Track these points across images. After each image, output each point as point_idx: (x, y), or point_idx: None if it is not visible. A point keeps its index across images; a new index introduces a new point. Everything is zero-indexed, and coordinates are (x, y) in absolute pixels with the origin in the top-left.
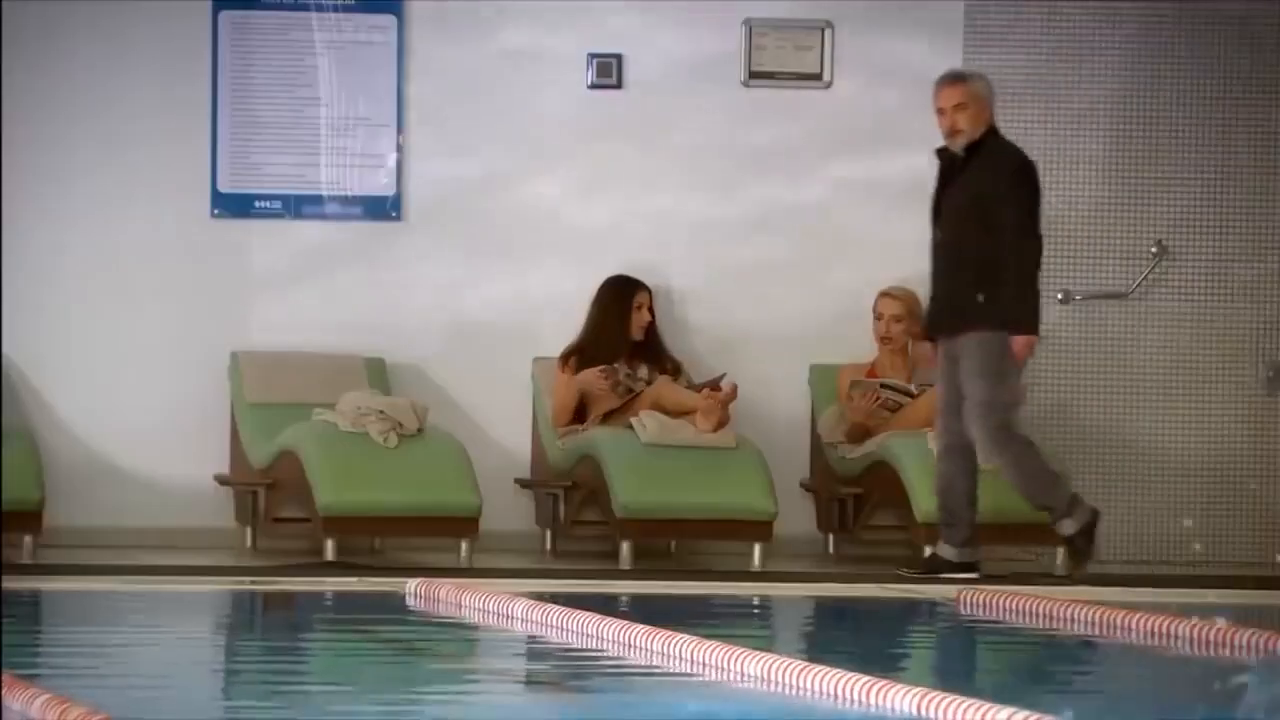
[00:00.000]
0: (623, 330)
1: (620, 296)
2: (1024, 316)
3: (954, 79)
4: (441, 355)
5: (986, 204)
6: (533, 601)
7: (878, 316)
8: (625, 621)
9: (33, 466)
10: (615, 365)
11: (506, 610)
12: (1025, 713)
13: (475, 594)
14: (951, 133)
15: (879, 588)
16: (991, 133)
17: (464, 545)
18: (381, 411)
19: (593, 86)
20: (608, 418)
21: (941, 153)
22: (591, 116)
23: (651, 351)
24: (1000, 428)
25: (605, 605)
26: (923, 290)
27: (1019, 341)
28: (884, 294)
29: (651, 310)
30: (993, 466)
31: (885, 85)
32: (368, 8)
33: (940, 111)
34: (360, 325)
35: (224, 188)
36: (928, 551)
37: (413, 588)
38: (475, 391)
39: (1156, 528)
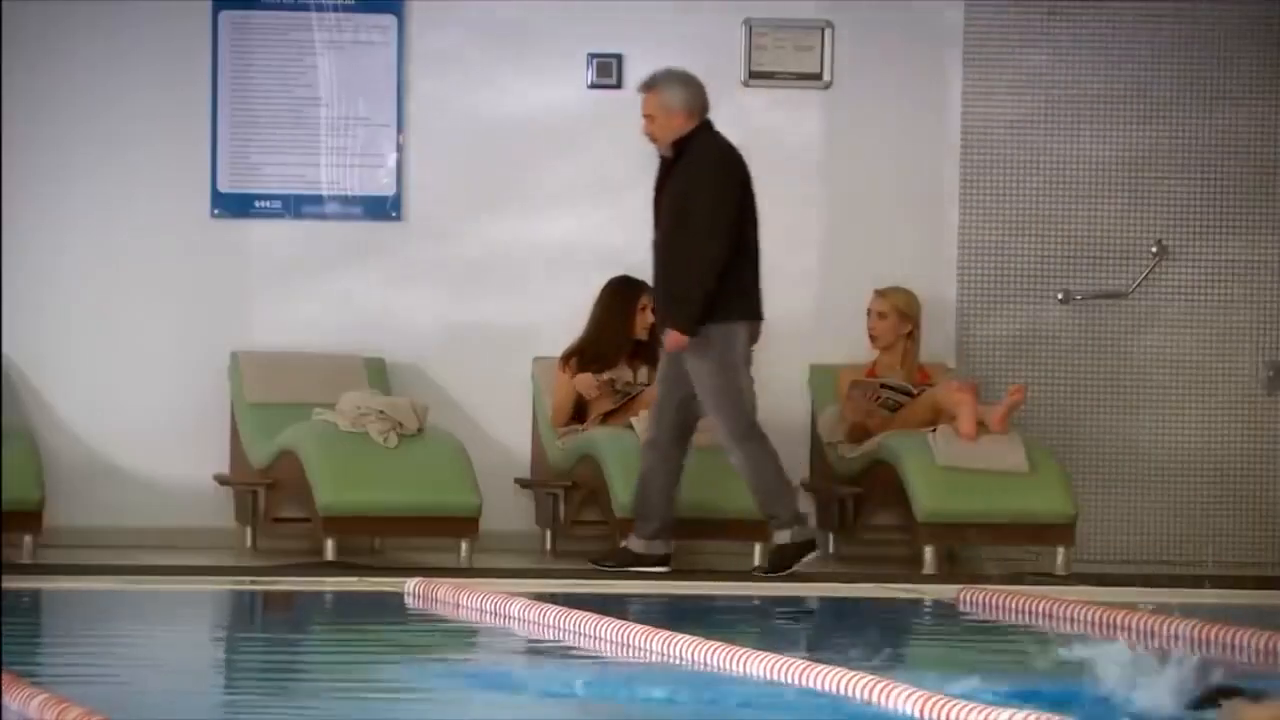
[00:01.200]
0: (625, 331)
1: (624, 298)
2: (681, 314)
3: (646, 86)
4: (441, 355)
5: (684, 203)
6: (530, 601)
7: (867, 314)
8: (622, 621)
9: (33, 466)
10: (613, 377)
11: (504, 610)
12: (1025, 712)
13: (473, 594)
14: (651, 139)
15: (879, 587)
16: (701, 130)
17: (464, 545)
18: (381, 411)
19: (593, 86)
20: (608, 418)
21: (661, 156)
22: (591, 116)
23: (652, 352)
24: (740, 421)
25: (604, 605)
26: (920, 290)
27: (670, 337)
28: (876, 292)
29: (653, 311)
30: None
31: (885, 85)
32: (368, 8)
33: (644, 117)
34: (360, 325)
35: (224, 188)
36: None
37: (411, 587)
38: (475, 391)
39: (1156, 528)
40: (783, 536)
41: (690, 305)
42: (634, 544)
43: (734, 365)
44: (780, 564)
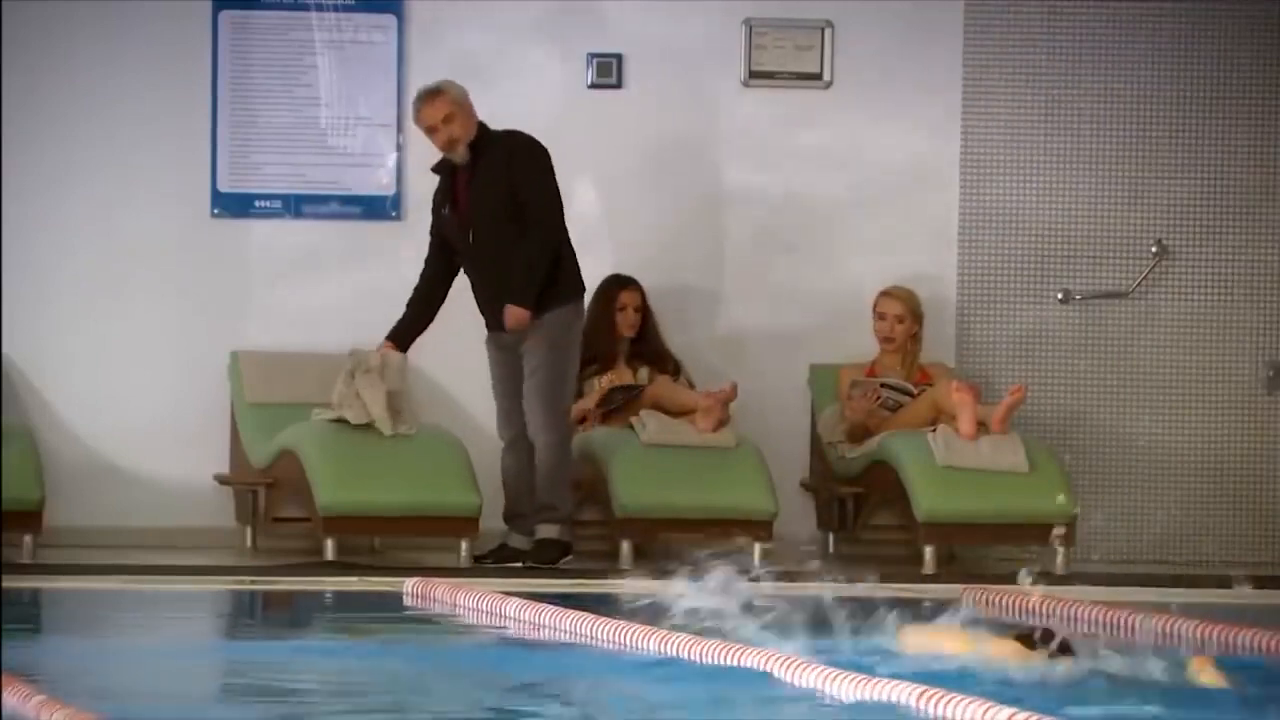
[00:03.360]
0: (609, 331)
1: (603, 298)
2: (529, 297)
3: (432, 94)
4: (441, 355)
5: (509, 193)
6: (525, 601)
7: (880, 316)
8: (618, 621)
9: (33, 466)
10: (613, 390)
11: (499, 610)
12: (1026, 713)
13: (469, 594)
14: (449, 145)
15: (879, 587)
16: (483, 128)
17: (464, 545)
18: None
19: (593, 86)
20: (608, 418)
21: (441, 167)
22: (591, 116)
23: (651, 351)
24: (565, 410)
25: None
26: (919, 290)
27: (513, 313)
28: (885, 293)
29: (645, 309)
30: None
31: (885, 85)
32: (368, 8)
33: (432, 130)
34: (360, 325)
35: (224, 187)
36: (537, 535)
37: (409, 587)
38: (475, 391)
39: (1156, 527)
40: (550, 531)
41: (535, 289)
42: (559, 533)
43: (570, 348)
44: (549, 557)
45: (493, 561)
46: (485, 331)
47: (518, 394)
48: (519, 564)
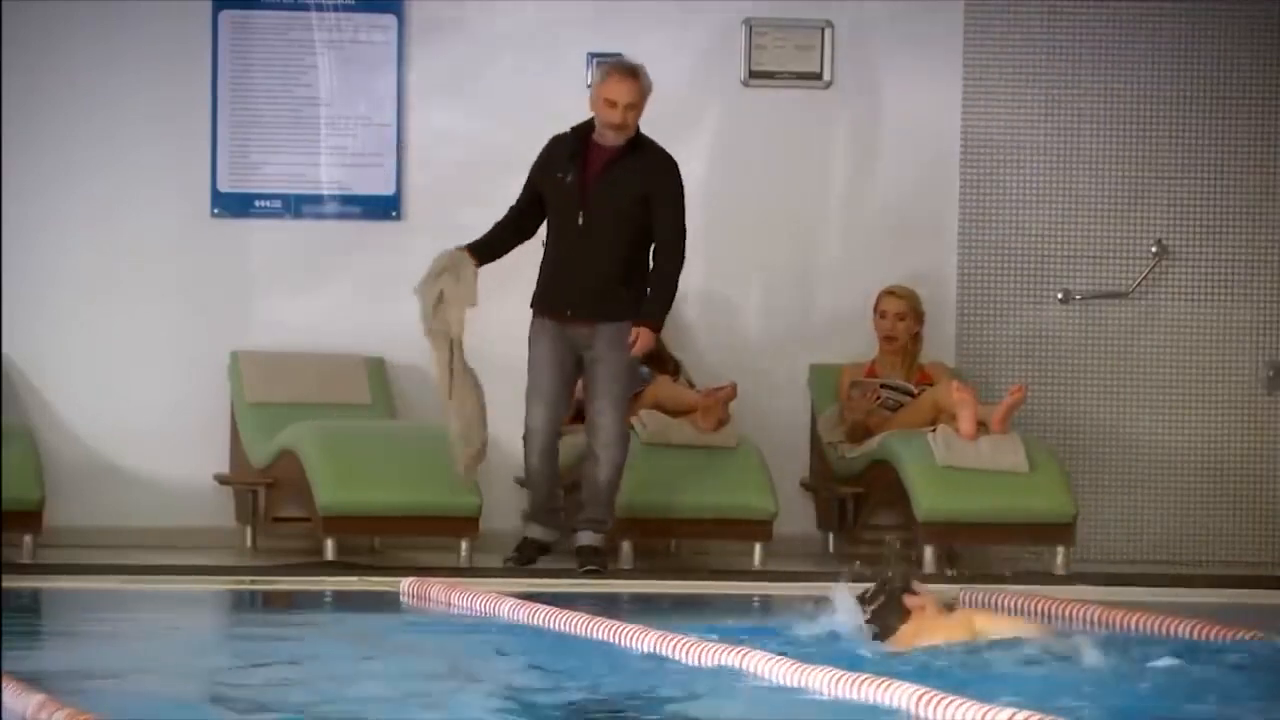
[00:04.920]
0: None
1: None
2: (662, 314)
3: (630, 72)
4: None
5: (643, 198)
6: (520, 601)
7: (881, 315)
8: (615, 621)
9: (33, 466)
10: None
11: (494, 610)
12: (1026, 713)
13: (464, 593)
14: (619, 127)
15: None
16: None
17: (464, 545)
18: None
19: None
20: None
21: (568, 138)
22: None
23: (651, 351)
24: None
25: (603, 605)
26: (920, 289)
27: (646, 336)
28: (887, 292)
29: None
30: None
31: (885, 85)
32: (368, 8)
33: (612, 105)
34: (360, 325)
35: (224, 187)
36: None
37: (406, 587)
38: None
39: (1156, 527)
40: (596, 540)
41: (668, 310)
42: (602, 542)
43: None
44: (597, 564)
45: (523, 562)
46: (485, 333)
47: (563, 391)
48: (530, 560)
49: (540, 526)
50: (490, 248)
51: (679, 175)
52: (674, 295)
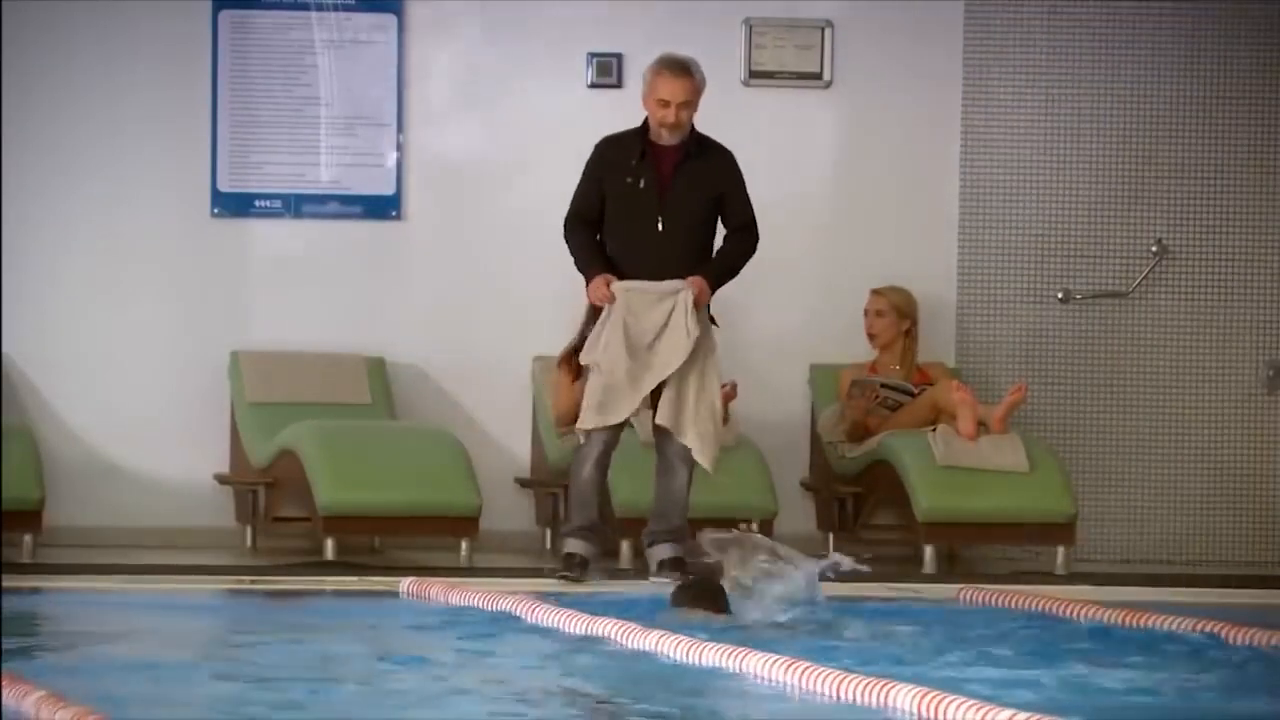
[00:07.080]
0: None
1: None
2: (720, 279)
3: (684, 69)
4: (441, 355)
5: (717, 198)
6: (518, 601)
7: (864, 313)
8: (613, 621)
9: (33, 466)
10: None
11: (493, 609)
12: (1026, 713)
13: (462, 593)
14: (672, 125)
15: (879, 587)
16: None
17: (464, 545)
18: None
19: (593, 86)
20: None
21: (624, 142)
22: (591, 116)
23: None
24: None
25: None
26: (920, 290)
27: (697, 281)
28: (871, 291)
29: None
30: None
31: (885, 85)
32: (368, 8)
33: (665, 104)
34: (360, 325)
35: (224, 187)
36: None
37: (406, 587)
38: (475, 391)
39: (1156, 527)
40: (678, 550)
41: (728, 279)
42: (671, 550)
43: None
44: (579, 575)
45: (576, 578)
46: (485, 333)
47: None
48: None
49: (582, 542)
50: (607, 260)
51: (740, 167)
52: (733, 274)
